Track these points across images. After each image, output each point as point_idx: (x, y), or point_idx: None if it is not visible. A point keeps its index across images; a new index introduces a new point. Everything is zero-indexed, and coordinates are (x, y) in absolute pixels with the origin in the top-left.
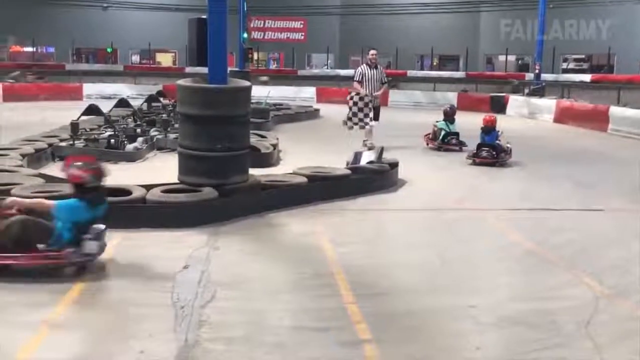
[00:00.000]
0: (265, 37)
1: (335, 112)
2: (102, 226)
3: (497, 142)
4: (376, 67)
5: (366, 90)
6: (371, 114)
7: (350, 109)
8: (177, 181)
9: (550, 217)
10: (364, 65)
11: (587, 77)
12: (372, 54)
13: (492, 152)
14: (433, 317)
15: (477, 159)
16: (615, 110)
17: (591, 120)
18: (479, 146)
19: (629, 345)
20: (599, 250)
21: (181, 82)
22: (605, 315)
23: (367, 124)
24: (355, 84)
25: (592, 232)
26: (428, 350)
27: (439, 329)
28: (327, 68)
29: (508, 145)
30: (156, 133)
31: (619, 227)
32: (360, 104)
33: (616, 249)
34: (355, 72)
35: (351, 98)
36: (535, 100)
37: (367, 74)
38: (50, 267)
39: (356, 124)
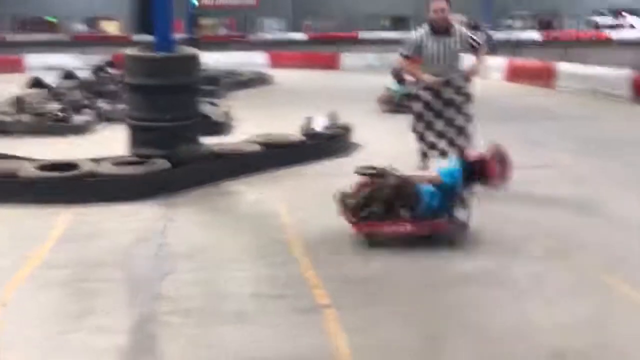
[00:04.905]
0: (216, 2)
1: (289, 77)
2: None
3: None
4: (447, 32)
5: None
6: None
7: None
8: (128, 153)
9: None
10: (425, 27)
11: (536, 36)
12: (438, 8)
13: None
14: (390, 280)
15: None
16: (562, 67)
17: (540, 77)
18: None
19: None
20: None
21: (128, 51)
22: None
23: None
24: (399, 61)
25: (544, 186)
26: (386, 312)
27: (396, 291)
28: (280, 33)
29: None
30: (105, 104)
31: (563, 180)
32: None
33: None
34: (407, 40)
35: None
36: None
37: (430, 45)
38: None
39: (422, 139)
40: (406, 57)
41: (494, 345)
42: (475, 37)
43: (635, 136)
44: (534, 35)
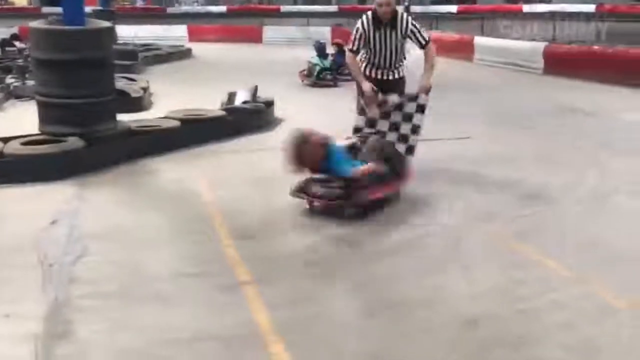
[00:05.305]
0: None
1: (210, 51)
2: None
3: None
4: (393, 25)
5: (375, 69)
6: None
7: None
8: (38, 132)
9: (428, 147)
10: (367, 18)
11: (453, 8)
12: (383, 2)
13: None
14: (312, 255)
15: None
16: (479, 40)
17: (458, 50)
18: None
19: None
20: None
21: (34, 24)
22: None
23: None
24: (348, 57)
25: (461, 158)
26: (309, 288)
27: (318, 266)
28: (198, 5)
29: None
30: (13, 80)
31: (482, 152)
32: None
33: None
34: (352, 33)
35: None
36: None
37: (374, 38)
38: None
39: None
40: (354, 52)
41: (413, 316)
42: (420, 33)
43: (547, 108)
44: (451, 7)
